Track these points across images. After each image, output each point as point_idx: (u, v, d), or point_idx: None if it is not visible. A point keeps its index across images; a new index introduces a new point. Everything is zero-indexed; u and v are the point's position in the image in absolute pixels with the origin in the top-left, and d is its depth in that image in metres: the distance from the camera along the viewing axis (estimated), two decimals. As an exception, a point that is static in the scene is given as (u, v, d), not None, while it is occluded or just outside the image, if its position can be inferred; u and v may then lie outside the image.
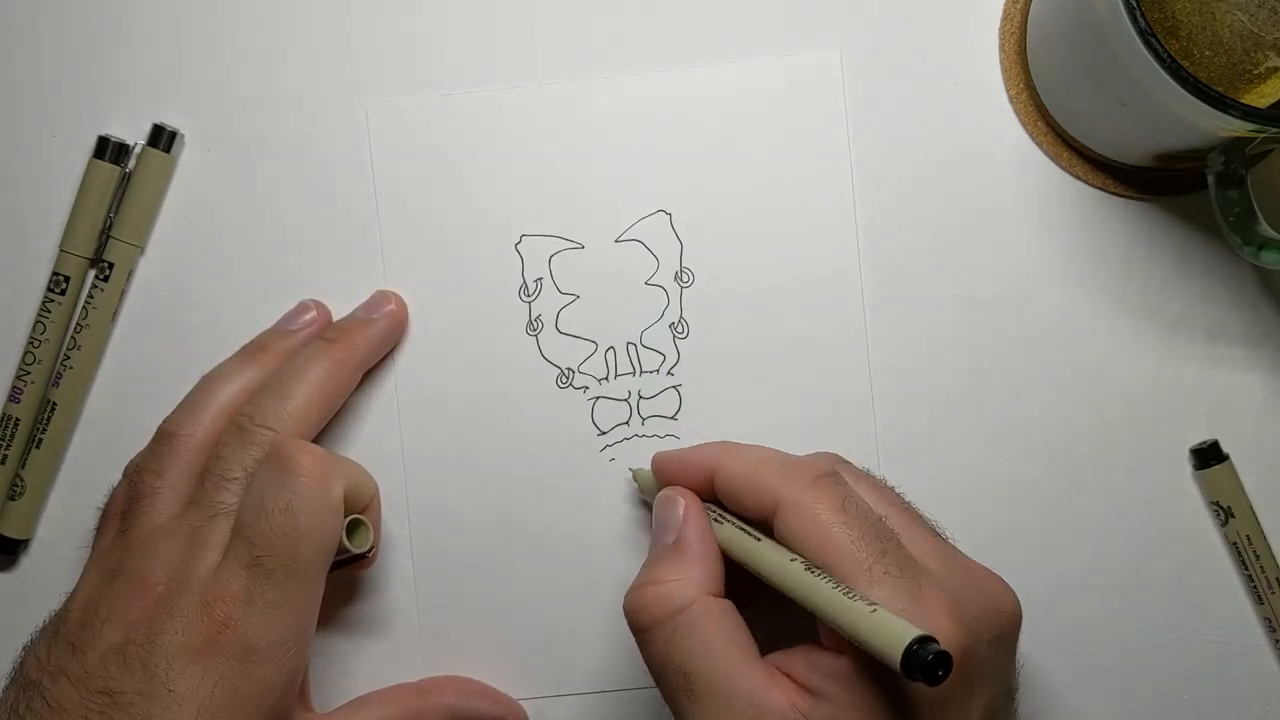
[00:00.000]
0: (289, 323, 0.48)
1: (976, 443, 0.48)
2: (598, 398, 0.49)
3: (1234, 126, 0.39)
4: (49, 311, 0.49)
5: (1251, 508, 0.47)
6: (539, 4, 0.49)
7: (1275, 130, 0.39)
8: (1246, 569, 0.47)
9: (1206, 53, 0.41)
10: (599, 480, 0.49)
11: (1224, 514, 0.47)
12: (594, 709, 0.49)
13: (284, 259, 0.49)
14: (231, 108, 0.50)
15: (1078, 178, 0.48)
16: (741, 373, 0.49)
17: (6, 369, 0.50)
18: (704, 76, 0.49)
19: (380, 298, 0.49)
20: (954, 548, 0.42)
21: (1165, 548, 0.48)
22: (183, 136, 0.49)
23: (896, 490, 0.43)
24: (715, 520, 0.42)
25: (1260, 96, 0.41)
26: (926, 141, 0.48)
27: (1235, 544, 0.47)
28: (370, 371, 0.49)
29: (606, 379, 0.49)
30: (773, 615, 0.40)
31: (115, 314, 0.50)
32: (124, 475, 0.47)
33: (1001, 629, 0.40)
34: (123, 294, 0.49)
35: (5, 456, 0.49)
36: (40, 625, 0.44)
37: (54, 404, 0.49)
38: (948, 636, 0.37)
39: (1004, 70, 0.48)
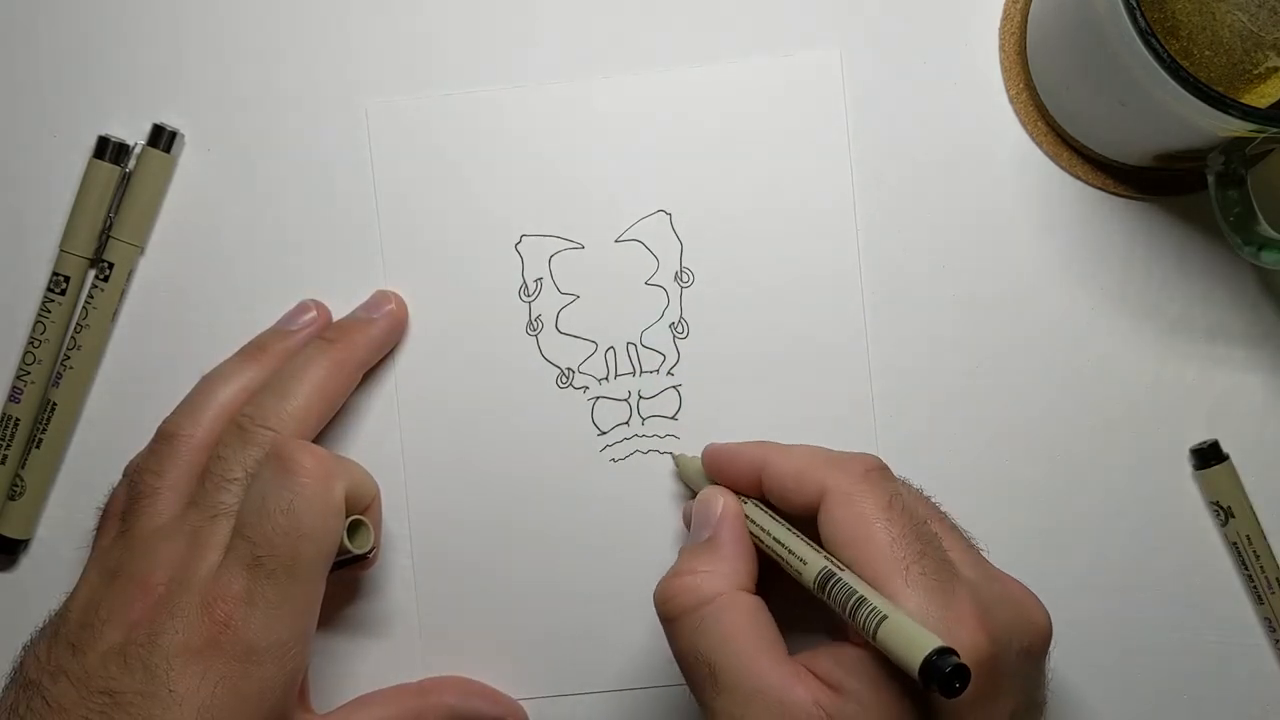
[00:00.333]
0: (289, 323, 0.48)
1: (976, 443, 0.48)
2: (598, 398, 0.49)
3: (1234, 126, 0.39)
4: (49, 311, 0.49)
5: (1251, 508, 0.47)
6: (539, 4, 0.49)
7: (1275, 130, 0.39)
8: (1246, 569, 0.47)
9: (1206, 53, 0.41)
10: (599, 480, 0.49)
11: (1224, 514, 0.47)
12: (594, 709, 0.49)
13: (284, 259, 0.49)
14: (231, 108, 0.50)
15: (1078, 178, 0.48)
16: (741, 373, 0.49)
17: (6, 369, 0.50)
18: (704, 76, 0.49)
19: (380, 298, 0.49)
20: (984, 558, 0.42)
21: (1165, 548, 0.48)
22: (183, 136, 0.50)
23: (933, 499, 0.43)
24: (752, 512, 0.43)
25: (1260, 96, 0.41)
26: (926, 141, 0.48)
27: (1235, 544, 0.47)
28: (370, 371, 0.49)
29: (606, 379, 0.49)
30: (808, 618, 0.41)
31: (115, 314, 0.50)
32: (124, 475, 0.47)
33: (1031, 642, 0.40)
34: (123, 294, 0.49)
35: (5, 456, 0.49)
36: (40, 625, 0.44)
37: (54, 404, 0.49)
38: (973, 644, 0.37)
39: (1004, 70, 0.48)
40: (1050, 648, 0.41)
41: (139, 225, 0.49)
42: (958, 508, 0.48)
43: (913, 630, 0.35)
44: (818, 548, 0.40)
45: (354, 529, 0.45)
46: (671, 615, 0.40)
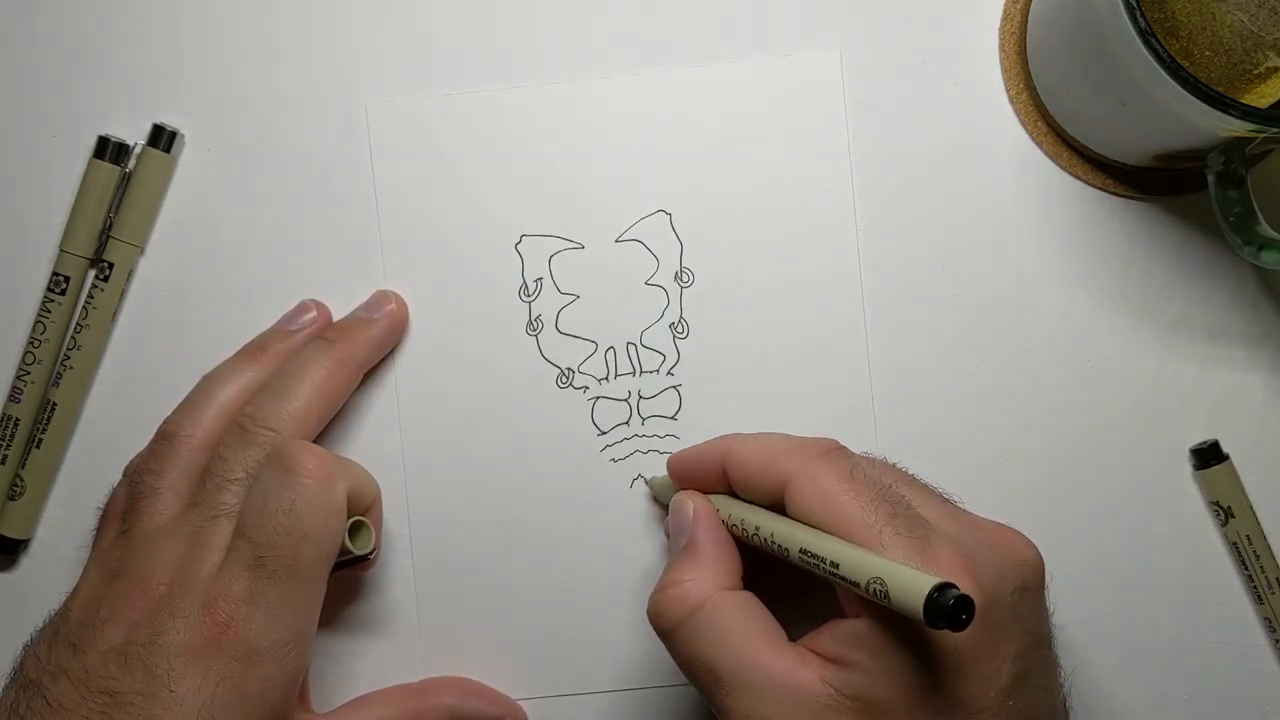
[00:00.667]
0: (289, 323, 0.48)
1: (976, 443, 0.48)
2: (598, 398, 0.49)
3: (1234, 126, 0.39)
4: (49, 311, 0.49)
5: (1251, 508, 0.47)
6: (539, 4, 0.49)
7: (1275, 130, 0.39)
8: (1246, 569, 0.47)
9: (1206, 53, 0.41)
10: (599, 480, 0.49)
11: (1224, 514, 0.47)
12: (594, 709, 0.49)
13: (284, 259, 0.49)
14: (231, 108, 0.50)
15: (1078, 178, 0.48)
16: (741, 373, 0.49)
17: (6, 369, 0.50)
18: (704, 76, 0.49)
19: (380, 297, 0.49)
20: (965, 511, 0.42)
21: (1165, 548, 0.48)
22: (183, 136, 0.49)
23: (900, 466, 0.43)
24: (725, 506, 0.43)
25: (1260, 96, 0.41)
26: (926, 141, 0.48)
27: (1235, 544, 0.47)
28: (370, 371, 0.49)
29: (606, 379, 0.49)
30: (806, 604, 0.41)
31: (115, 314, 0.50)
32: (124, 476, 0.47)
33: (1024, 579, 0.40)
34: (123, 294, 0.49)
35: (5, 456, 0.49)
36: (40, 625, 0.44)
37: (54, 404, 0.49)
38: (967, 587, 0.37)
39: (1004, 70, 0.48)
40: (1047, 581, 0.41)
41: (139, 225, 0.49)
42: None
43: (908, 574, 0.36)
44: (796, 523, 0.40)
45: (355, 530, 0.45)
46: (666, 629, 0.41)
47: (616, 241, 0.49)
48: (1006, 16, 0.48)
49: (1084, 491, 0.48)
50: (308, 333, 0.48)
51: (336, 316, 0.49)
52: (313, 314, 0.48)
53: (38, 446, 0.49)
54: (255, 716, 0.41)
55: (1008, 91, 0.48)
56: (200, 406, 0.46)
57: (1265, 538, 0.47)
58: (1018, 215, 0.48)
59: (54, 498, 0.50)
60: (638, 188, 0.49)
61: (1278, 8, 0.40)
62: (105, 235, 0.49)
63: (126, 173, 0.49)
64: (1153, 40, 0.38)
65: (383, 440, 0.49)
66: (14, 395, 0.49)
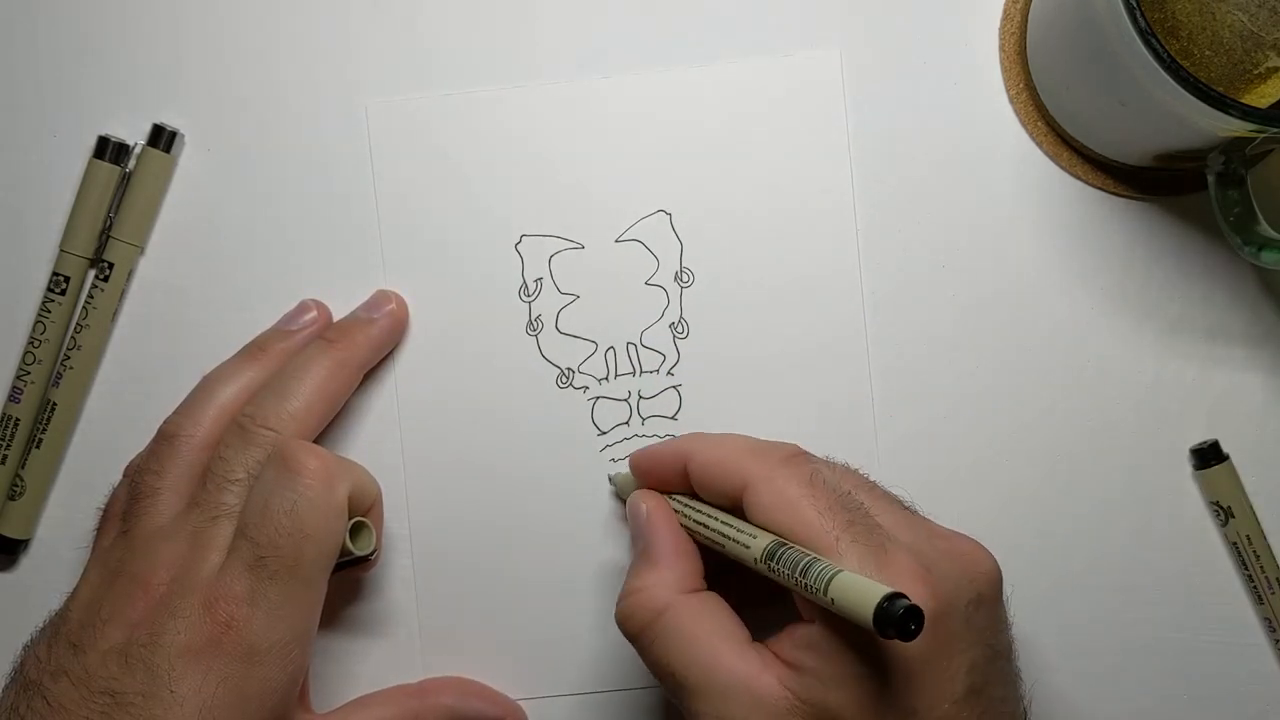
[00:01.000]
0: (289, 323, 0.48)
1: (976, 443, 0.48)
2: (598, 398, 0.49)
3: (1234, 126, 0.39)
4: (49, 311, 0.49)
5: (1251, 508, 0.47)
6: (539, 4, 0.49)
7: (1275, 130, 0.39)
8: (1246, 569, 0.47)
9: (1206, 53, 0.41)
10: (599, 480, 0.49)
11: (1224, 514, 0.47)
12: (593, 709, 0.49)
13: (284, 259, 0.49)
14: (231, 108, 0.50)
15: (1078, 178, 0.48)
16: (741, 373, 0.49)
17: (6, 369, 0.50)
18: (704, 76, 0.49)
19: (380, 297, 0.49)
20: (925, 519, 0.42)
21: (1165, 548, 0.48)
22: (183, 136, 0.49)
23: (861, 472, 0.43)
24: (686, 508, 0.43)
25: (1260, 96, 0.41)
26: (926, 141, 0.48)
27: (1235, 544, 0.47)
28: (370, 371, 0.49)
29: (606, 379, 0.49)
30: (767, 602, 0.41)
31: (115, 314, 0.50)
32: (124, 476, 0.47)
33: (980, 590, 0.40)
34: (123, 294, 0.49)
35: (5, 456, 0.49)
36: (40, 625, 0.44)
37: (54, 404, 0.49)
38: (921, 596, 0.37)
39: (1004, 70, 0.48)
40: (1005, 592, 0.41)
41: (139, 225, 0.49)
42: (958, 507, 0.48)
43: (860, 583, 0.36)
44: (752, 528, 0.40)
45: (356, 530, 0.45)
46: (631, 635, 0.41)
47: (616, 241, 0.49)
48: (1006, 16, 0.48)
49: (1084, 491, 0.48)
50: (308, 333, 0.48)
51: (336, 316, 0.49)
52: (313, 314, 0.48)
53: (38, 446, 0.49)
54: (256, 717, 0.41)
55: (1008, 91, 0.48)
56: (200, 406, 0.46)
57: (1265, 538, 0.47)
58: (1018, 215, 0.48)
59: (54, 498, 0.50)
60: (638, 188, 0.49)
61: (1278, 8, 0.40)
62: (105, 235, 0.49)
63: (126, 173, 0.49)
64: (1153, 40, 0.38)
65: (383, 440, 0.49)
66: (14, 395, 0.49)
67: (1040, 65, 0.47)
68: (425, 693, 0.48)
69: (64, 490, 0.50)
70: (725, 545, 0.41)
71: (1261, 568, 0.47)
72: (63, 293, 0.49)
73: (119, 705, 0.40)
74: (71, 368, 0.49)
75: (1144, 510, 0.48)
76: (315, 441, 0.46)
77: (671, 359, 0.49)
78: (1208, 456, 0.47)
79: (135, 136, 0.49)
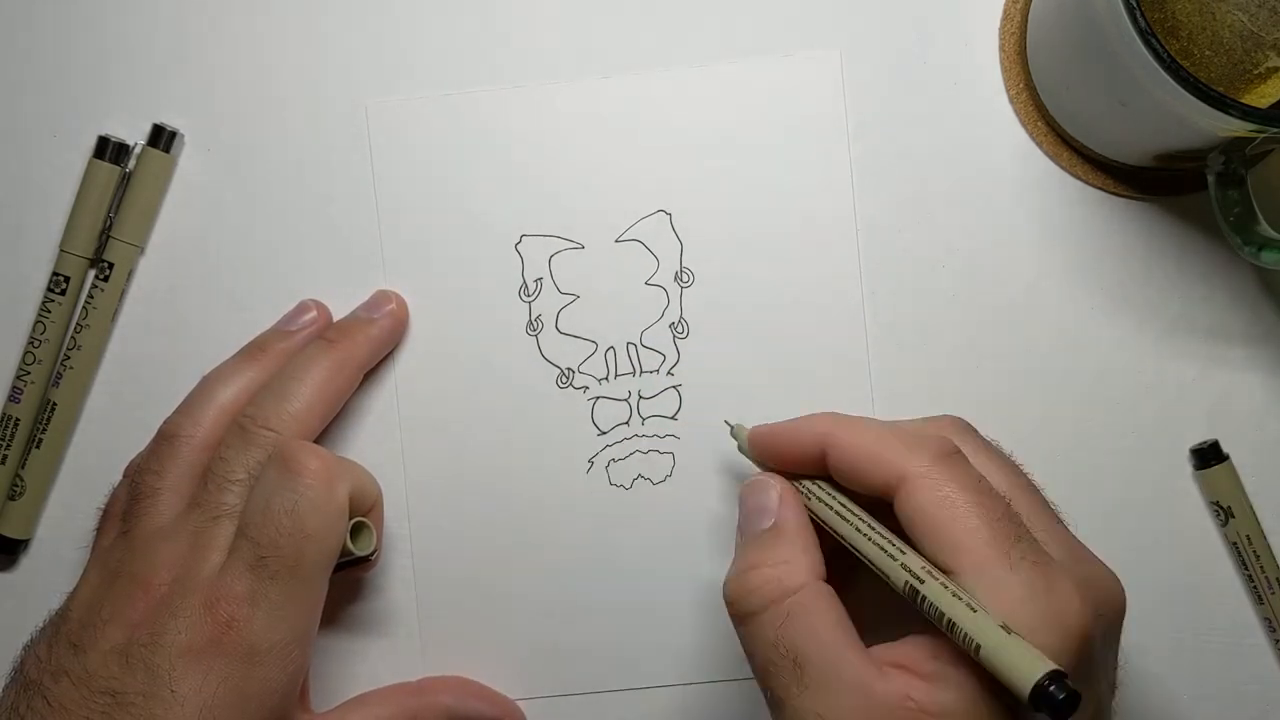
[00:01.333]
0: (289, 323, 0.48)
1: (976, 443, 0.48)
2: (598, 398, 0.49)
3: (1234, 126, 0.39)
4: (49, 311, 0.49)
5: (1251, 508, 0.47)
6: (540, 4, 0.49)
7: (1275, 130, 0.39)
8: (1246, 569, 0.47)
9: (1206, 53, 0.41)
10: (599, 480, 0.49)
11: (1224, 514, 0.47)
12: (593, 709, 0.49)
13: (284, 259, 0.49)
14: (231, 108, 0.50)
15: (1078, 178, 0.48)
16: (741, 373, 0.49)
17: (6, 369, 0.49)
18: (704, 76, 0.49)
19: (381, 297, 0.49)
20: (1070, 534, 0.40)
21: (1165, 548, 0.48)
22: (183, 136, 0.49)
23: (1020, 466, 0.41)
24: (820, 497, 0.40)
25: (1260, 96, 0.41)
26: (926, 141, 0.48)
27: (1235, 544, 0.47)
28: (370, 371, 0.49)
29: (606, 379, 0.49)
30: (871, 602, 0.39)
31: (115, 314, 0.50)
32: (124, 476, 0.47)
33: (1111, 622, 0.38)
34: (123, 294, 0.49)
35: (5, 456, 0.49)
36: (40, 625, 0.44)
37: (54, 404, 0.49)
38: (1080, 628, 0.35)
39: (1004, 70, 0.48)
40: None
41: (139, 225, 0.49)
42: (958, 508, 0.48)
43: (1021, 651, 0.34)
44: (902, 544, 0.38)
45: (356, 531, 0.45)
46: (750, 610, 0.38)
47: (616, 241, 0.49)
48: (1006, 16, 0.48)
49: (1084, 491, 0.48)
50: (308, 333, 0.48)
51: (336, 316, 0.49)
52: (313, 314, 0.48)
53: (38, 446, 0.49)
54: (256, 716, 0.41)
55: (1008, 91, 0.48)
56: (201, 407, 0.46)
57: (1265, 538, 0.47)
58: (1018, 215, 0.48)
59: (54, 498, 0.50)
60: (638, 188, 0.49)
61: (1278, 8, 0.40)
62: (105, 235, 0.49)
63: (126, 173, 0.49)
64: (1153, 40, 0.38)
65: (383, 440, 0.49)
66: (14, 395, 0.49)
67: (1040, 65, 0.47)
68: (424, 692, 0.48)
69: (64, 490, 0.50)
70: (867, 552, 0.38)
71: (1261, 568, 0.47)
72: (63, 293, 0.49)
73: (119, 705, 0.40)
74: (71, 368, 0.49)
75: (1144, 510, 0.48)
76: (315, 442, 0.46)
77: (671, 359, 0.49)
78: (1208, 456, 0.47)
79: (135, 136, 0.49)
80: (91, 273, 0.49)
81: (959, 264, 0.48)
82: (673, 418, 0.49)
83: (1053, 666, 0.33)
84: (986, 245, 0.48)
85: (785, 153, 0.48)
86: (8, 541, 0.49)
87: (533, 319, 0.49)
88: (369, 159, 0.49)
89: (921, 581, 0.36)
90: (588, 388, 0.49)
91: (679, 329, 0.49)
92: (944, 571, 0.37)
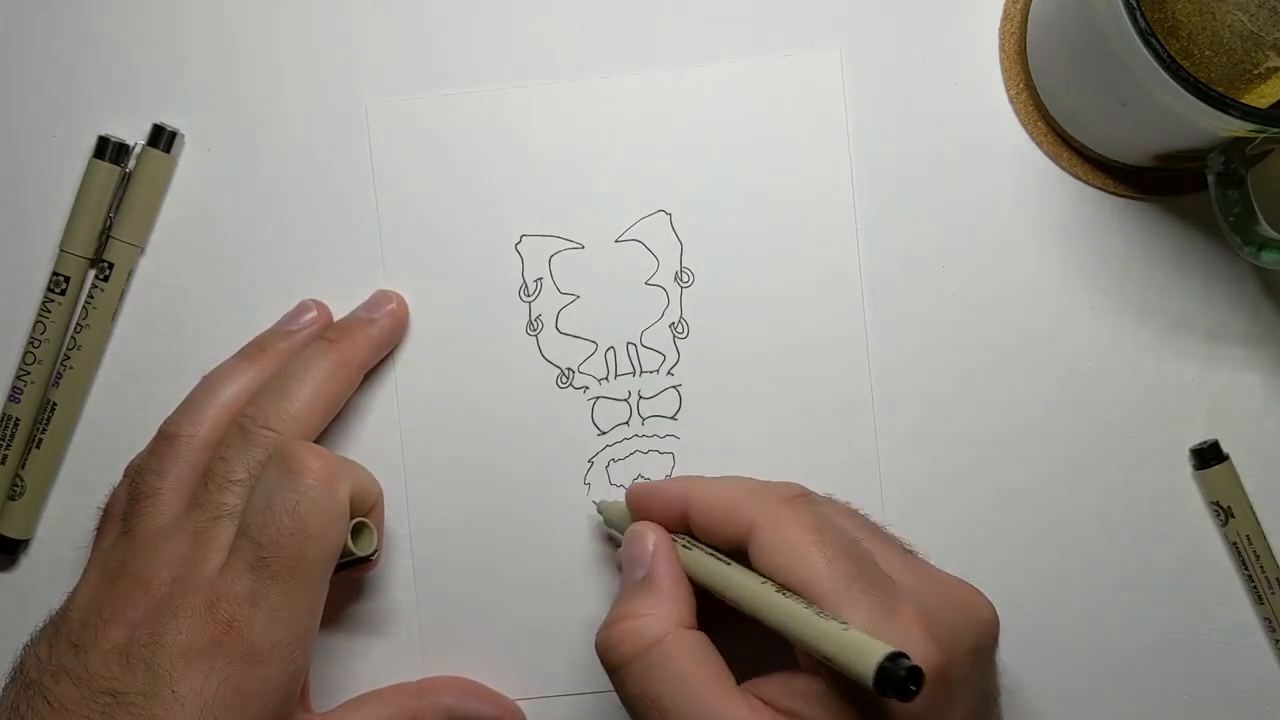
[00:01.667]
0: (289, 323, 0.48)
1: (976, 443, 0.48)
2: (598, 398, 0.49)
3: (1234, 126, 0.39)
4: (49, 311, 0.49)
5: (1251, 508, 0.47)
6: (539, 4, 0.49)
7: (1275, 130, 0.39)
8: (1246, 569, 0.47)
9: (1206, 53, 0.41)
10: (599, 481, 0.49)
11: (1224, 514, 0.47)
12: (593, 709, 0.49)
13: (284, 259, 0.49)
14: (231, 108, 0.50)
15: (1078, 178, 0.48)
16: (741, 373, 0.49)
17: (6, 369, 0.50)
18: (704, 76, 0.49)
19: (381, 297, 0.49)
20: (926, 563, 0.42)
21: (1165, 548, 0.48)
22: (183, 136, 0.50)
23: (861, 512, 0.43)
24: (685, 547, 0.42)
25: (1260, 96, 0.41)
26: (926, 141, 0.48)
27: (1235, 544, 0.47)
28: (370, 371, 0.49)
29: (606, 379, 0.49)
30: (749, 644, 0.40)
31: (115, 314, 0.50)
32: (125, 476, 0.47)
33: (979, 639, 0.40)
34: (123, 294, 0.49)
35: (5, 456, 0.49)
36: (40, 625, 0.44)
37: (54, 404, 0.49)
38: (924, 654, 0.37)
39: (1004, 70, 0.48)
40: (999, 639, 0.41)
41: (139, 225, 0.49)
42: (958, 508, 0.48)
43: (861, 640, 0.35)
44: (756, 575, 0.40)
45: (357, 531, 0.45)
46: (618, 663, 0.40)
47: (616, 241, 0.49)
48: (1006, 16, 0.48)
49: (1084, 491, 0.48)
50: (308, 333, 0.48)
51: (337, 316, 0.49)
52: (313, 314, 0.48)
53: (38, 446, 0.49)
54: (257, 717, 0.41)
55: (1008, 91, 0.48)
56: (201, 407, 0.46)
57: (1265, 538, 0.47)
58: (1018, 215, 0.48)
59: (54, 498, 0.50)
60: (638, 188, 0.49)
61: (1278, 8, 0.40)
62: (105, 235, 0.49)
63: (126, 173, 0.49)
64: (1153, 40, 0.38)
65: (383, 440, 0.49)
66: (14, 395, 0.49)
67: (1040, 65, 0.47)
68: (424, 692, 0.48)
69: (64, 490, 0.50)
70: (724, 589, 0.40)
71: (1261, 568, 0.47)
72: (63, 293, 0.49)
73: (120, 705, 0.40)
74: (71, 368, 0.49)
75: (1144, 510, 0.48)
76: (315, 442, 0.46)
77: (671, 359, 0.49)
78: (1208, 456, 0.47)
79: (135, 136, 0.49)
80: (91, 273, 0.49)
81: (959, 264, 0.48)
82: (673, 418, 0.49)
83: (891, 649, 0.35)
84: (986, 245, 0.48)
85: (785, 153, 0.48)
86: (8, 541, 0.49)
87: (533, 319, 0.49)
88: (369, 159, 0.49)
89: (772, 599, 0.38)
90: (588, 388, 0.49)
91: (679, 329, 0.49)
92: None
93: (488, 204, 0.49)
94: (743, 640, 0.41)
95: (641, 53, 0.49)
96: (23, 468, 0.49)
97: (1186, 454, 0.48)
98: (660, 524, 0.43)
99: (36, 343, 0.49)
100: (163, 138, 0.49)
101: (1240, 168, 0.43)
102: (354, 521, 0.44)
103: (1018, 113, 0.48)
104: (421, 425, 0.49)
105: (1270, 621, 0.47)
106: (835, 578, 0.38)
